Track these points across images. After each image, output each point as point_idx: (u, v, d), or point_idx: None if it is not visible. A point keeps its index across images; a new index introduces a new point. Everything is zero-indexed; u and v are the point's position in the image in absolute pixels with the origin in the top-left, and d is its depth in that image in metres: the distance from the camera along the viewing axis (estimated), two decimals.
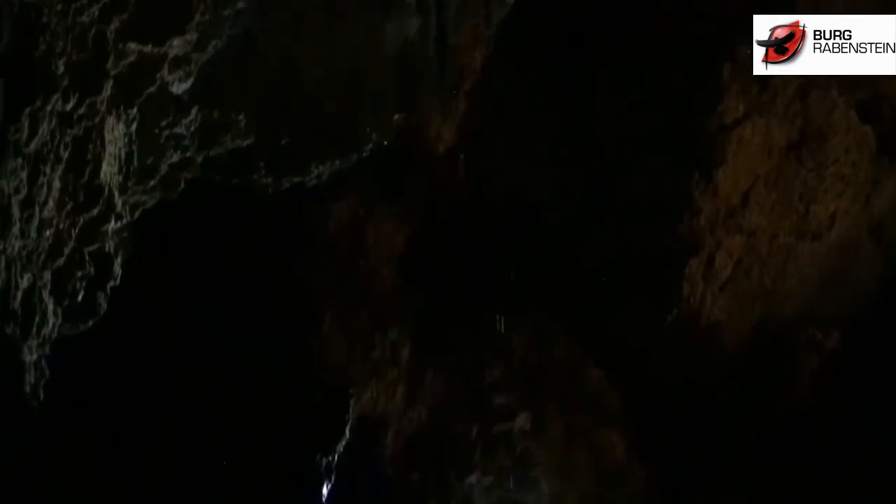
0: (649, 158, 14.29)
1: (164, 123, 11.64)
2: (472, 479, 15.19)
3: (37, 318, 13.04)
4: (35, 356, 13.07)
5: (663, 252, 14.60)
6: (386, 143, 12.58)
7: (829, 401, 15.06)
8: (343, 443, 14.40)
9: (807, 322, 15.62)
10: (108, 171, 12.18)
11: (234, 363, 13.33)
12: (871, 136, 15.09)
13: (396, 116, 12.41)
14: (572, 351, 15.62)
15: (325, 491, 14.46)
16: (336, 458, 14.41)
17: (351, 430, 14.37)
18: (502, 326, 15.27)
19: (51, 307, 12.80)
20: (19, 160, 13.03)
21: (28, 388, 13.30)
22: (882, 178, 15.46)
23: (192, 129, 11.63)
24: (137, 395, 13.10)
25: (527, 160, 14.49)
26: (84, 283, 12.61)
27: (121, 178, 12.06)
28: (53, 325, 12.82)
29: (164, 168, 12.00)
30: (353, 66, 11.93)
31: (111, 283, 12.57)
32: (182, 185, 12.24)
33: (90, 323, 12.77)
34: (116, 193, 12.22)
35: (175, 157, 11.95)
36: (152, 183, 12.08)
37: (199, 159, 12.02)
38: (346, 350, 14.21)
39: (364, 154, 12.48)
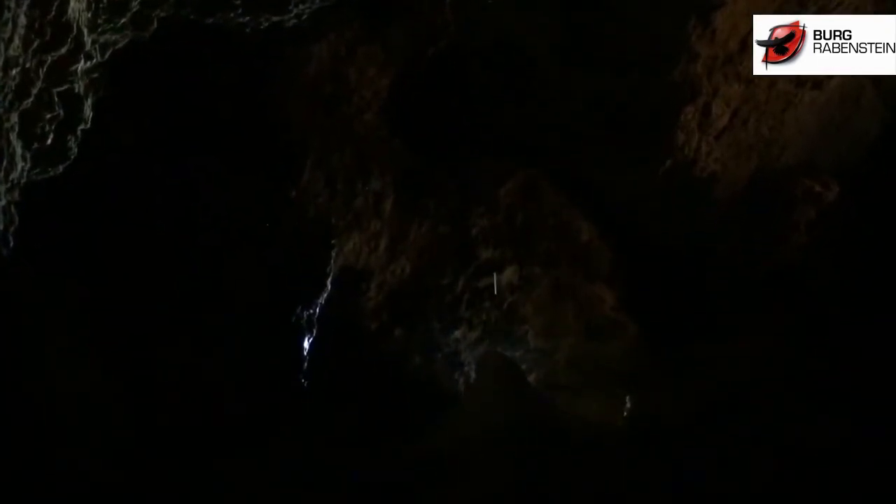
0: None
1: None
2: (458, 333, 15.53)
3: (5, 162, 13.01)
4: (4, 202, 13.08)
5: (657, 99, 14.57)
6: None
7: (827, 254, 15.21)
8: (324, 296, 14.60)
9: (805, 173, 15.79)
10: (77, 7, 12.08)
11: (209, 210, 13.38)
12: None
13: None
14: (560, 203, 15.79)
15: (305, 345, 14.68)
16: (317, 311, 14.61)
17: (332, 283, 14.56)
18: None
19: (19, 151, 12.77)
20: None
21: None
22: None
23: None
24: (110, 242, 13.10)
25: (515, 1, 14.31)
26: (54, 126, 12.58)
27: (90, 16, 11.98)
28: (22, 169, 12.81)
29: (135, 5, 11.87)
30: None
31: (82, 126, 12.53)
32: (155, 24, 12.10)
33: (61, 168, 12.75)
34: (86, 31, 12.14)
35: None
36: (123, 21, 11.97)
37: None
38: (327, 199, 14.30)
39: None
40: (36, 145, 12.68)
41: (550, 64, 14.69)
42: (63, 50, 12.30)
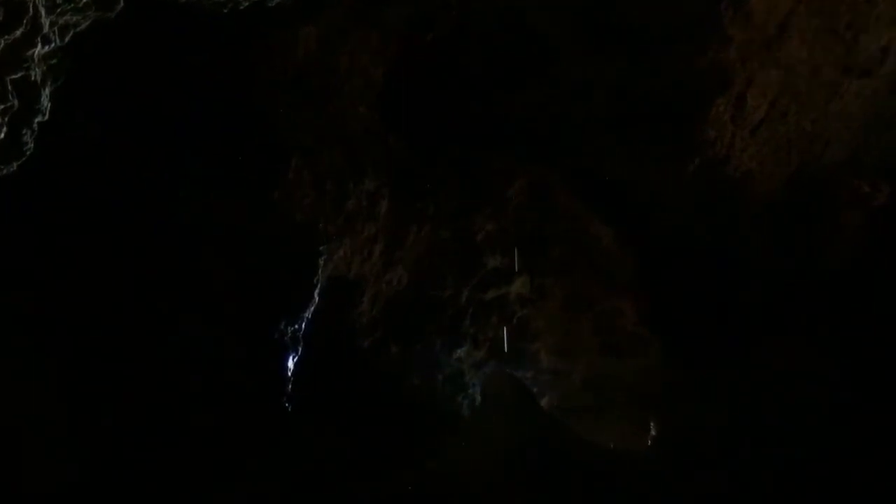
0: None
1: None
2: (462, 352, 15.31)
3: None
4: None
5: (684, 89, 14.32)
6: None
7: (876, 263, 14.97)
8: (311, 308, 14.46)
9: (852, 172, 15.47)
10: None
11: (182, 212, 13.20)
12: None
13: None
14: (575, 205, 15.58)
15: (290, 364, 14.56)
16: (303, 326, 14.47)
17: (320, 294, 14.42)
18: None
19: None
20: None
21: None
22: None
23: None
24: (72, 248, 12.96)
25: None
26: (7, 118, 12.42)
27: None
28: None
29: None
30: None
31: (39, 119, 12.39)
32: (121, 3, 11.91)
33: (15, 165, 12.62)
34: (43, 12, 11.97)
35: None
36: (85, 0, 11.85)
37: None
38: (315, 201, 14.14)
39: None
40: None
41: (565, 49, 14.47)
42: (18, 33, 12.06)
